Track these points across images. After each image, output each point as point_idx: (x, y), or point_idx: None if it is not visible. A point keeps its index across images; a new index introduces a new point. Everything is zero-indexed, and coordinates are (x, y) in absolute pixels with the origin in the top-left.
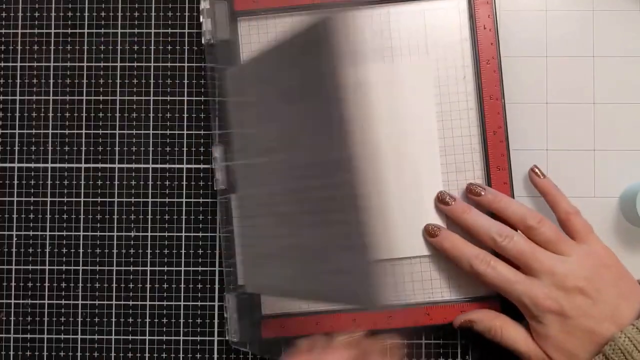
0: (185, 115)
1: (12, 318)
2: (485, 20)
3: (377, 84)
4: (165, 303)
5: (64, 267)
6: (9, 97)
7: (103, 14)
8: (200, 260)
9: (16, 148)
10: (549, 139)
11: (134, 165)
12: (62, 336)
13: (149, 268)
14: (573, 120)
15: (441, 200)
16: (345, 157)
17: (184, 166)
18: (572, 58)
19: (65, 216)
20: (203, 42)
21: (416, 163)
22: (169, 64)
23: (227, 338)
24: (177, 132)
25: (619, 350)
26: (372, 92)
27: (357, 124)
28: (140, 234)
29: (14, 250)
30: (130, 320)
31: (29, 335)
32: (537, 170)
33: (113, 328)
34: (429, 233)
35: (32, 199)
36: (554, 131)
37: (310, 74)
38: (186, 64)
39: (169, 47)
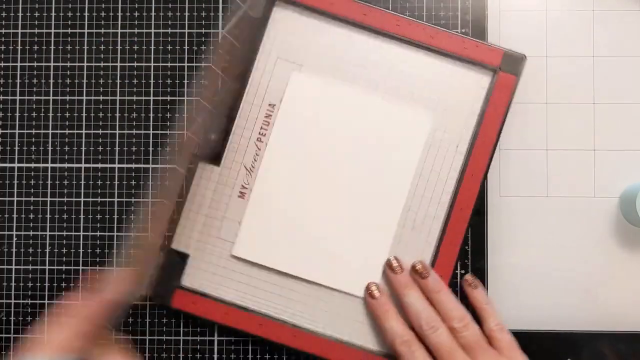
0: (186, 115)
1: (12, 318)
2: (498, 104)
3: (369, 117)
4: None
5: (64, 267)
6: (9, 97)
7: (103, 14)
8: None
9: (16, 148)
10: (549, 139)
11: (134, 165)
12: None
13: None
14: (573, 120)
15: (389, 266)
16: None
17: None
18: (572, 58)
19: (65, 216)
20: (230, 10)
21: (378, 204)
22: (169, 64)
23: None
24: (177, 132)
25: None
26: (361, 122)
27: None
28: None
29: (14, 250)
30: (131, 320)
31: (29, 335)
32: (470, 280)
33: None
34: (370, 294)
35: (32, 198)
36: (554, 131)
37: None
38: (186, 64)
39: (169, 47)
